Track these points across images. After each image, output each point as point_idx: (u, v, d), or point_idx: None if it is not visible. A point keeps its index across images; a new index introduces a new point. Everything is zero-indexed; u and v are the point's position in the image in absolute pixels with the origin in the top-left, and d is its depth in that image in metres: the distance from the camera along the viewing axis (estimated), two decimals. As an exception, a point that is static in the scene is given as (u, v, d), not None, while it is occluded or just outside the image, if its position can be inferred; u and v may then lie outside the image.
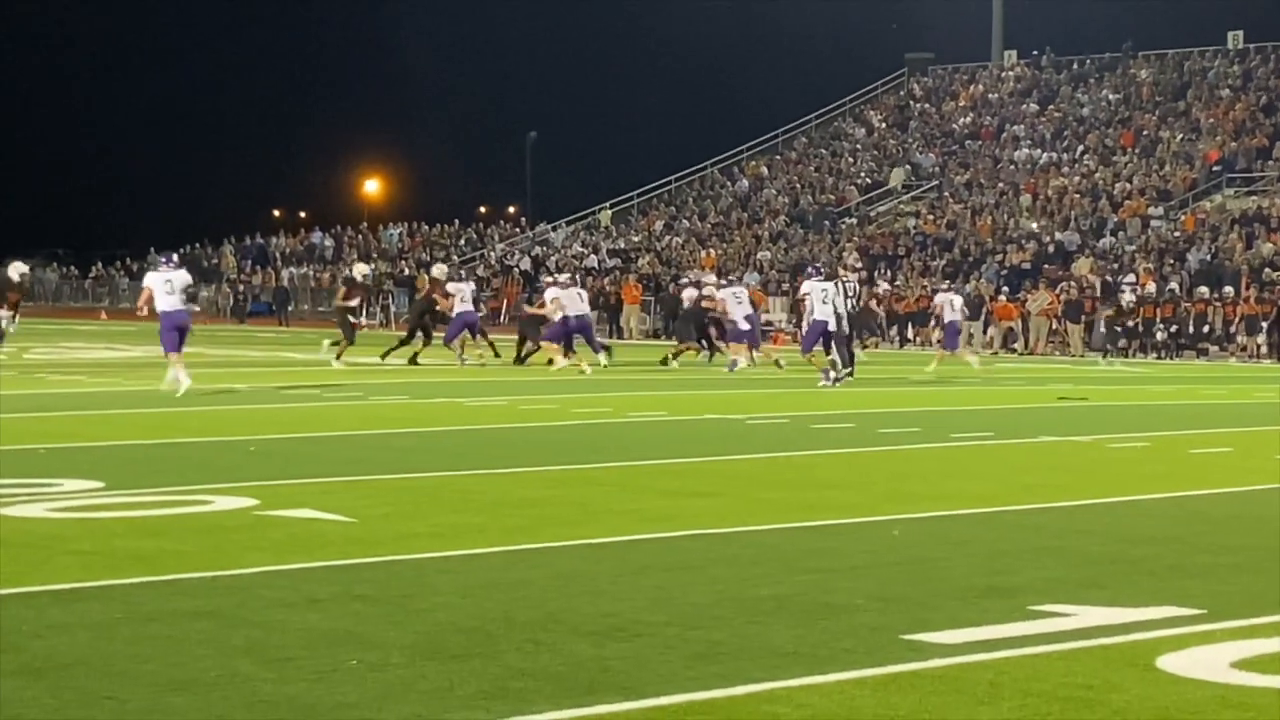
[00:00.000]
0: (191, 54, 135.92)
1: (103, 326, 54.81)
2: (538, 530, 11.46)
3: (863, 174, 69.46)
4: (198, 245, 76.94)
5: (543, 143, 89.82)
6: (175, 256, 26.30)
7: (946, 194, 65.08)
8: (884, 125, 74.72)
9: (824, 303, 27.31)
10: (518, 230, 75.65)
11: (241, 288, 69.83)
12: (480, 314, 35.38)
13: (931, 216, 62.28)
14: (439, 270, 37.39)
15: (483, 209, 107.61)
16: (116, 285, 77.18)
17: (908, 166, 68.74)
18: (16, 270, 32.73)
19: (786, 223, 65.18)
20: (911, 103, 76.24)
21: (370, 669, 7.44)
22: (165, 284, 24.28)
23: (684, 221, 68.54)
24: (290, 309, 65.58)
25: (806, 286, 28.72)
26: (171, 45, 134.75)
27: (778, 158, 73.97)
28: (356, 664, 7.53)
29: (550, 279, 39.64)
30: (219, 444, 17.60)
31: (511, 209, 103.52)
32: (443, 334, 33.66)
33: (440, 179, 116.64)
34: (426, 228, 76.16)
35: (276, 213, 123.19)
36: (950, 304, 36.11)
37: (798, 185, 69.67)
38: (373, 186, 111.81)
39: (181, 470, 14.88)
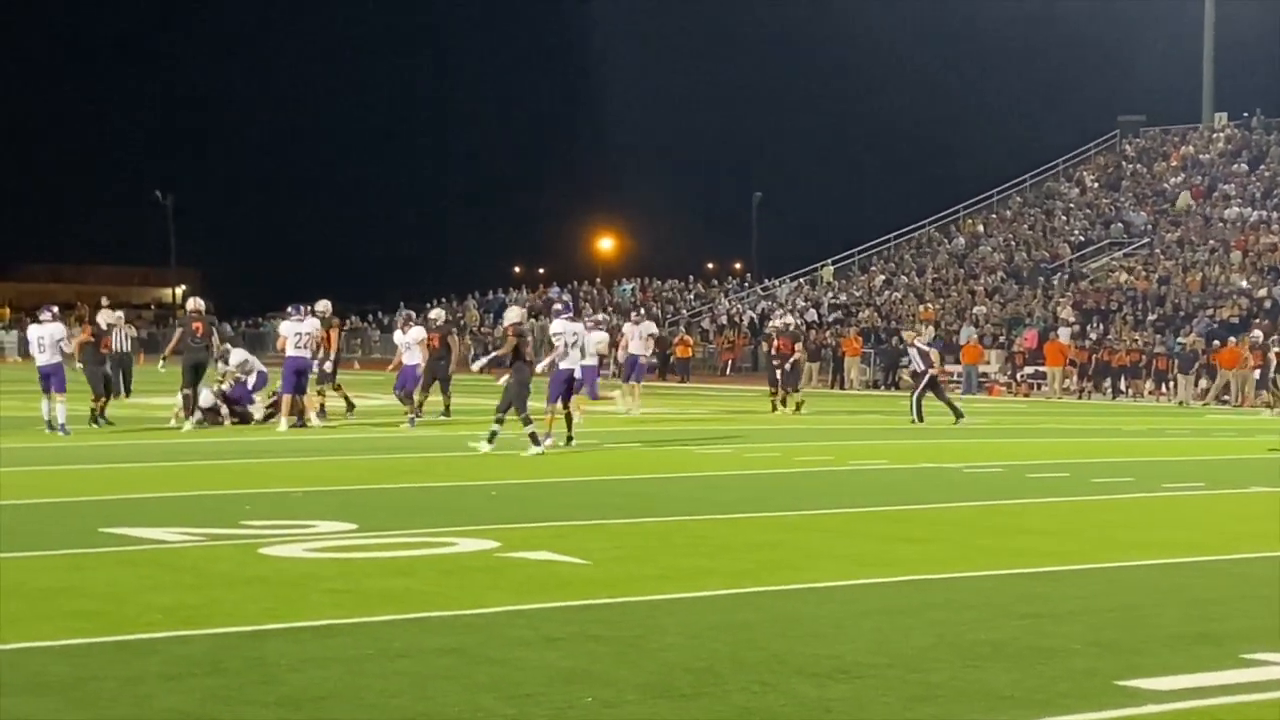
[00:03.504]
0: (437, 128, 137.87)
1: (355, 375, 55.60)
2: (763, 574, 11.41)
3: (1075, 231, 68.47)
4: (443, 300, 77.88)
5: (768, 202, 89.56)
6: (303, 308, 26.65)
7: (1158, 250, 63.91)
8: (1096, 185, 73.65)
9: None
10: (744, 285, 75.66)
11: (485, 339, 70.58)
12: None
13: (1144, 272, 61.16)
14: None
15: (710, 265, 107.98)
16: (369, 337, 78.47)
17: (1119, 224, 67.65)
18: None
19: (1002, 278, 64.41)
20: (1123, 163, 75.08)
21: (605, 706, 7.47)
22: (295, 335, 25.24)
23: (902, 277, 68.06)
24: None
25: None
26: (416, 120, 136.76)
27: (993, 216, 73.21)
28: (591, 701, 7.56)
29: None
30: (462, 489, 17.76)
31: (738, 264, 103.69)
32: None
33: (669, 237, 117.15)
34: (658, 282, 76.50)
35: (517, 269, 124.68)
36: None
37: (1013, 242, 68.84)
38: (606, 244, 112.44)
39: (428, 513, 15.04)
